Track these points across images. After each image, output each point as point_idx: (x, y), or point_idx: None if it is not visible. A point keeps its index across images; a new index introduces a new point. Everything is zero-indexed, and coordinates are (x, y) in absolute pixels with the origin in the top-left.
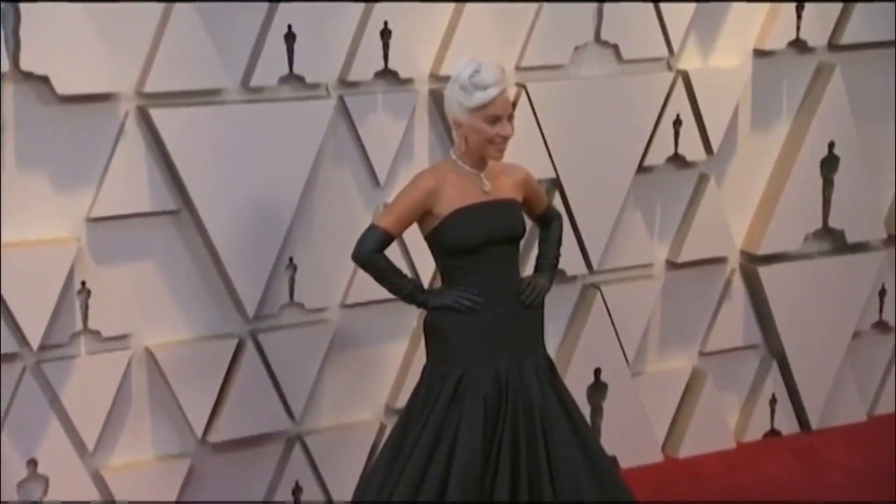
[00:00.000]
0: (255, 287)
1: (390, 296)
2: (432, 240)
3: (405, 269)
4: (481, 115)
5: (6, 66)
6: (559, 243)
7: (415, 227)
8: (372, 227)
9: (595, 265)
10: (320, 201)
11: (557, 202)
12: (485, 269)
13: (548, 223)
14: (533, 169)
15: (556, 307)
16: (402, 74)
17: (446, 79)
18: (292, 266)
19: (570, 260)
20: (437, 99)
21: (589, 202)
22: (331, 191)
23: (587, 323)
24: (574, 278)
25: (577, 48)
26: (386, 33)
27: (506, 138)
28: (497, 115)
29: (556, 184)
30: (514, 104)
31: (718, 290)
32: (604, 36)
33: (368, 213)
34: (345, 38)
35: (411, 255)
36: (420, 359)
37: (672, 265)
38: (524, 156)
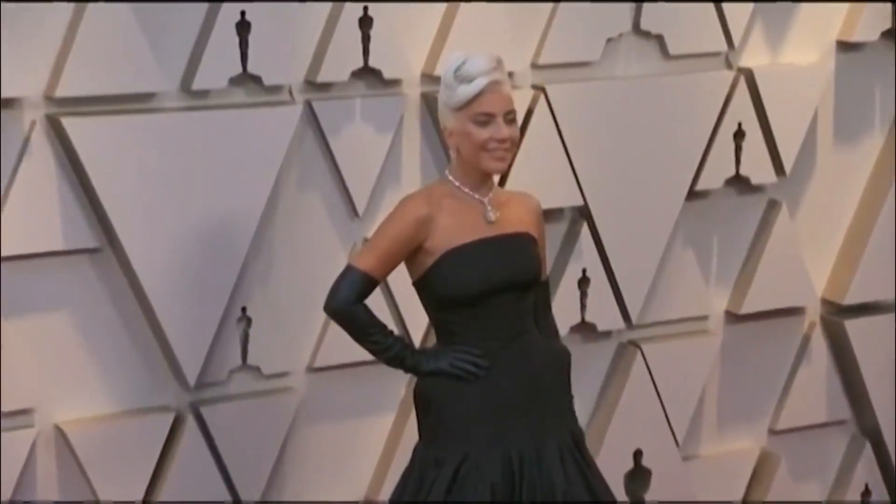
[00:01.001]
0: (197, 346)
1: (371, 358)
2: (423, 286)
3: (390, 324)
4: (468, 115)
5: None
6: (550, 311)
7: (402, 268)
8: (348, 270)
9: (634, 318)
10: (282, 236)
11: (585, 237)
12: (491, 324)
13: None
14: (554, 194)
15: (585, 372)
16: (387, 74)
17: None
18: (245, 319)
19: (602, 311)
20: (431, 105)
21: (626, 237)
22: (296, 222)
23: (624, 392)
24: (608, 334)
25: (610, 40)
26: (366, 22)
27: (503, 141)
28: (487, 112)
29: (583, 213)
30: (530, 111)
31: (794, 350)
32: (644, 25)
33: (344, 252)
34: (313, 28)
35: (398, 305)
36: (410, 438)
37: (733, 318)
38: (543, 178)
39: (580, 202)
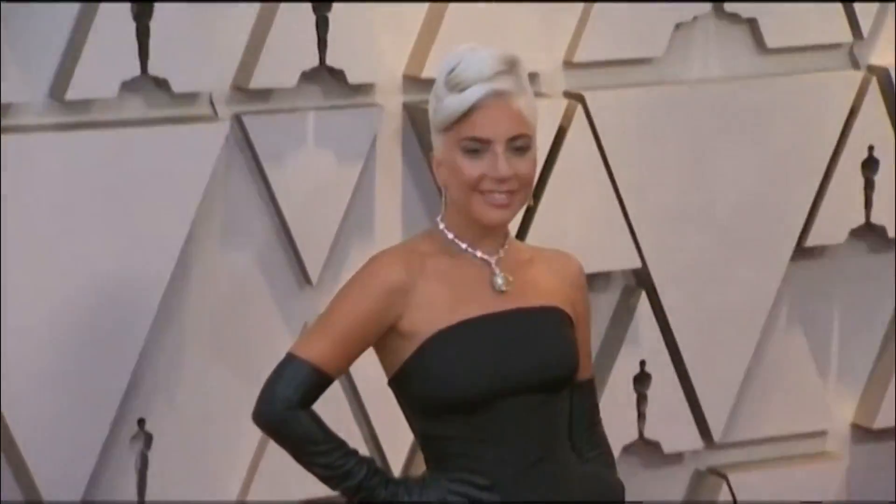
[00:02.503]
0: (77, 471)
1: (327, 489)
2: (402, 385)
3: (355, 440)
4: (456, 139)
5: None
6: (596, 422)
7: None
8: (289, 361)
9: (717, 434)
10: (196, 314)
11: (644, 314)
12: (502, 441)
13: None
14: (598, 253)
15: None
16: (353, 76)
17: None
18: (143, 436)
19: (670, 424)
20: (418, 121)
21: (703, 315)
22: (217, 294)
23: None
24: (678, 458)
25: (680, 27)
26: (322, 3)
27: (503, 181)
28: (479, 137)
29: (640, 280)
30: (561, 130)
31: None
32: (730, 6)
33: (290, 335)
34: (246, 13)
35: (367, 411)
36: None
37: (864, 434)
38: (581, 229)
39: (636, 263)
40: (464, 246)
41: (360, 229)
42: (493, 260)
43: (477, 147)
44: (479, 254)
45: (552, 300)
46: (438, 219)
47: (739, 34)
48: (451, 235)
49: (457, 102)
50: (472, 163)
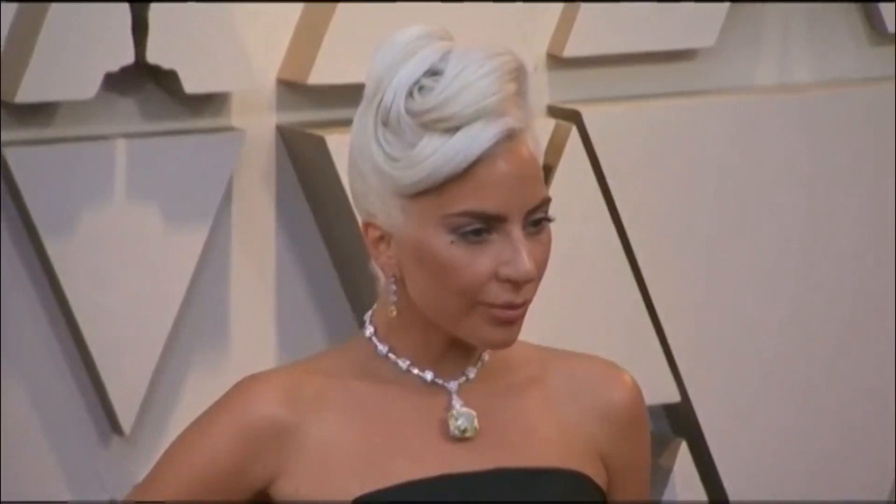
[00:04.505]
0: None
1: None
2: None
3: None
4: (435, 213)
5: None
6: None
7: None
8: None
9: None
10: None
11: (685, 470)
12: None
13: None
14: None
15: None
16: (191, 82)
17: (348, 92)
18: None
19: None
20: (303, 155)
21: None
22: None
23: None
24: None
25: (734, 8)
26: None
27: (519, 285)
28: (490, 213)
29: (678, 422)
30: (546, 168)
31: None
32: None
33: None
34: None
35: None
36: None
37: None
38: (585, 332)
39: (673, 396)
40: (404, 365)
41: (203, 341)
42: (452, 385)
43: (480, 226)
44: (429, 376)
45: (562, 454)
46: (367, 318)
47: (839, 11)
48: (383, 349)
49: (448, 154)
50: (473, 254)
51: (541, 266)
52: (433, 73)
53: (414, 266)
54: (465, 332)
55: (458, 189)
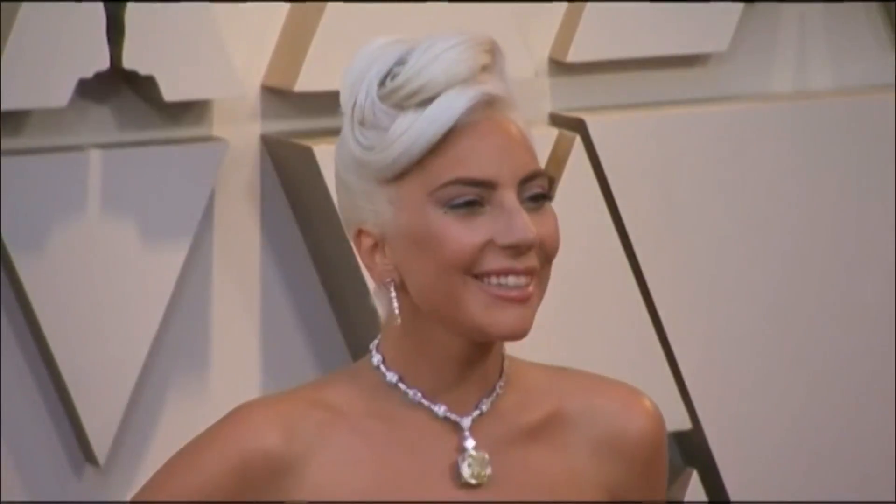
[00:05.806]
0: None
1: None
2: None
3: None
4: (420, 191)
5: None
6: None
7: None
8: None
9: None
10: None
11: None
12: None
13: None
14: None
15: None
16: (171, 92)
17: (337, 100)
18: None
19: None
20: (290, 165)
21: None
22: None
23: None
24: None
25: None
26: None
27: (521, 250)
28: (477, 178)
29: (691, 449)
30: (549, 180)
31: None
32: None
33: None
34: None
35: None
36: None
37: None
38: (593, 354)
39: (684, 423)
40: (416, 396)
41: (182, 365)
42: (465, 422)
43: (471, 197)
44: (441, 410)
45: (575, 488)
46: (372, 347)
47: (861, 22)
48: (392, 377)
49: (422, 125)
50: (468, 225)
51: (548, 239)
52: (402, 63)
53: (410, 256)
54: (471, 318)
55: (440, 162)
